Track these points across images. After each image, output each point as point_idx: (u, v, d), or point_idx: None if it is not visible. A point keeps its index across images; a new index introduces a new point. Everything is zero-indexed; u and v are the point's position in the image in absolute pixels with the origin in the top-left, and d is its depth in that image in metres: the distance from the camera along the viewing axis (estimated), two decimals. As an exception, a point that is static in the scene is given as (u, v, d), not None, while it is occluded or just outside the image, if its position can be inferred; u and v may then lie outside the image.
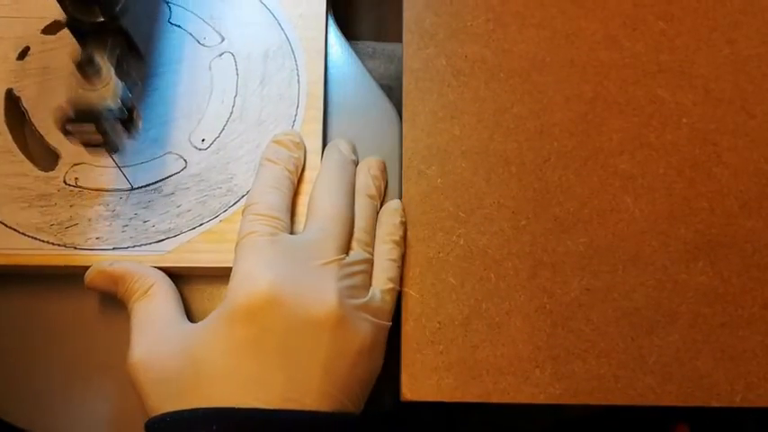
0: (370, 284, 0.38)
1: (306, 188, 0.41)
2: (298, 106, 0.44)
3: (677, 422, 0.59)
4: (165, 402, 0.34)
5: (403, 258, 0.40)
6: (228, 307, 0.34)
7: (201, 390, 0.33)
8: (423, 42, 0.45)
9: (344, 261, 0.37)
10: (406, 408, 0.39)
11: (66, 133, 0.36)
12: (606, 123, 0.44)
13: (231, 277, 0.36)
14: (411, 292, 0.39)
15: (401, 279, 0.40)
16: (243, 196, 0.41)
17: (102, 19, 0.36)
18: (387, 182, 0.43)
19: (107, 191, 0.41)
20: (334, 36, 0.48)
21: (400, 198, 0.42)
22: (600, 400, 0.38)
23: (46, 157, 0.42)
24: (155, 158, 0.42)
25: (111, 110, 0.36)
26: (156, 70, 0.44)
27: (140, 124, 0.39)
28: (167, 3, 0.46)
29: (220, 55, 0.45)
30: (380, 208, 0.42)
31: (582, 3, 0.47)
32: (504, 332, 0.39)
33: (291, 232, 0.39)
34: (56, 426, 0.38)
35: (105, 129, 0.36)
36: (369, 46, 0.53)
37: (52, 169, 0.41)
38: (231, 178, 0.42)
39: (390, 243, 0.39)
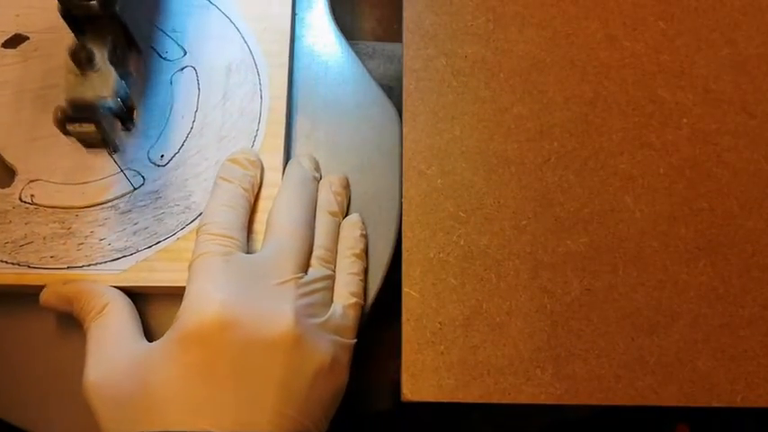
0: (332, 301, 0.38)
1: (264, 205, 0.41)
2: (259, 121, 0.43)
3: (678, 423, 0.59)
4: (118, 425, 0.33)
5: (366, 272, 0.40)
6: (179, 330, 0.34)
7: (154, 414, 0.33)
8: (423, 43, 0.45)
9: (303, 279, 0.36)
10: (405, 408, 0.39)
11: (66, 133, 0.35)
12: (606, 123, 0.43)
13: (183, 298, 0.35)
14: (412, 293, 0.39)
15: (365, 292, 0.40)
16: (200, 213, 0.40)
17: (95, 3, 0.35)
18: (349, 198, 0.42)
19: (63, 208, 0.40)
20: (335, 36, 0.48)
21: (401, 199, 0.42)
22: (601, 400, 0.38)
23: (2, 174, 0.41)
24: (112, 175, 0.41)
25: (107, 104, 0.35)
26: None
27: (137, 116, 0.39)
28: None
29: (182, 69, 0.44)
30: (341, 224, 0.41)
31: (582, 3, 0.47)
32: (504, 332, 0.39)
33: (250, 251, 0.38)
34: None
35: (104, 126, 0.35)
36: (369, 46, 0.53)
37: (8, 186, 0.41)
38: (189, 195, 0.41)
39: (351, 257, 0.39)
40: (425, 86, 0.44)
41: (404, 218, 0.41)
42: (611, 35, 0.46)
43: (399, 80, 0.46)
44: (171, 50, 0.45)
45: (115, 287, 0.38)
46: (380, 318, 0.42)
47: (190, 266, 0.36)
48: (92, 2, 0.35)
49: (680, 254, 0.41)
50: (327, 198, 0.41)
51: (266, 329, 0.34)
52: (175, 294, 0.39)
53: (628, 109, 0.44)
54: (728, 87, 0.45)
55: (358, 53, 0.48)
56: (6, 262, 0.39)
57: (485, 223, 0.41)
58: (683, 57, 0.45)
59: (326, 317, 0.36)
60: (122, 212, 0.40)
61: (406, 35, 0.46)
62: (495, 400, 0.38)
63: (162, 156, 0.42)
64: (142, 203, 0.41)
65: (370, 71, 0.47)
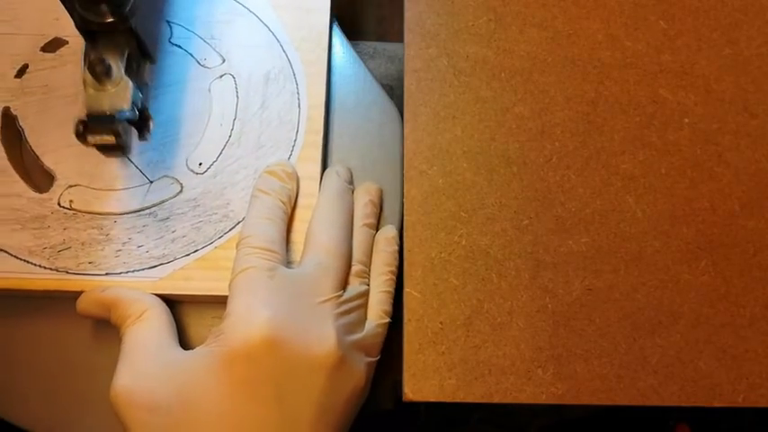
0: (365, 318, 0.38)
1: (301, 215, 0.41)
2: (297, 131, 0.43)
3: (678, 422, 0.59)
4: None
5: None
6: (225, 345, 0.34)
7: (192, 427, 0.32)
8: (424, 42, 0.45)
9: (342, 298, 0.36)
10: (406, 407, 0.39)
11: (85, 143, 0.35)
12: (608, 123, 0.43)
13: (228, 314, 0.35)
14: (413, 293, 0.39)
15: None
16: (239, 222, 0.40)
17: (112, 19, 0.36)
18: (382, 208, 0.42)
19: (101, 214, 0.40)
20: (337, 36, 0.48)
21: (401, 199, 0.42)
22: (602, 400, 0.38)
23: (41, 178, 0.41)
24: (150, 182, 0.41)
25: (123, 112, 0.35)
26: (154, 91, 0.43)
27: (152, 126, 0.39)
28: (168, 22, 0.45)
29: (221, 77, 0.44)
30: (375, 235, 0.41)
31: (583, 3, 0.46)
32: (506, 332, 0.39)
33: (287, 262, 0.38)
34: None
35: (119, 132, 0.36)
36: (370, 46, 0.53)
37: (47, 191, 0.41)
38: (227, 204, 0.41)
39: (388, 274, 0.39)
40: (427, 86, 0.44)
41: (405, 218, 0.41)
42: (613, 35, 0.46)
43: (400, 80, 0.46)
44: (209, 58, 0.45)
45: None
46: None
47: (233, 280, 0.36)
48: (108, 20, 0.35)
49: (681, 254, 0.41)
50: (365, 210, 0.40)
51: (310, 350, 0.34)
52: (210, 302, 0.39)
53: (629, 109, 0.44)
54: (730, 87, 0.45)
55: (359, 53, 0.48)
56: (45, 267, 0.39)
57: (486, 223, 0.41)
58: (684, 57, 0.45)
59: (362, 335, 0.36)
60: (160, 220, 0.40)
61: (407, 35, 0.46)
62: (496, 400, 0.38)
63: (200, 164, 0.42)
64: (180, 211, 0.41)
65: (371, 71, 0.47)
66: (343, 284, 0.37)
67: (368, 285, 0.39)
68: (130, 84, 0.36)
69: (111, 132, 0.35)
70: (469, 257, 0.40)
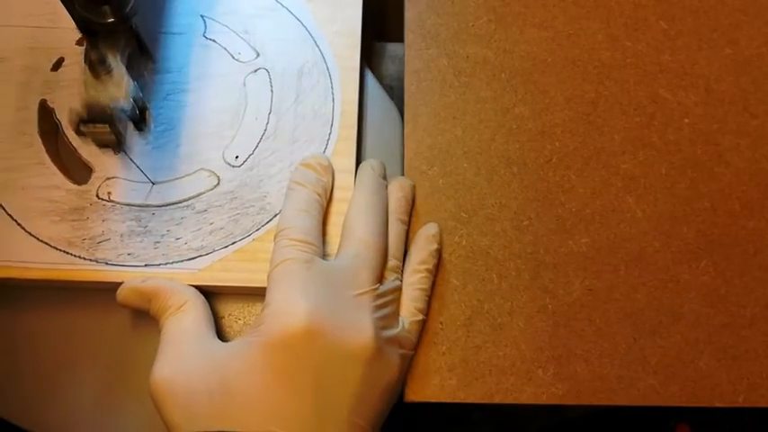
0: (398, 313, 0.38)
1: (336, 208, 0.41)
2: (332, 125, 0.43)
3: (678, 422, 0.59)
4: (190, 422, 0.33)
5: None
6: (265, 335, 0.34)
7: (230, 414, 0.33)
8: (424, 43, 0.45)
9: (378, 291, 0.37)
10: (405, 407, 0.39)
11: (80, 134, 0.36)
12: (608, 123, 0.43)
13: (266, 304, 0.35)
14: (413, 293, 0.39)
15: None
16: (276, 215, 0.41)
17: (113, 19, 0.36)
18: (414, 204, 0.42)
19: (139, 206, 0.41)
20: None
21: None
22: (602, 400, 0.38)
23: (79, 171, 0.42)
24: (187, 175, 0.42)
25: (123, 109, 0.36)
26: (189, 85, 0.44)
27: (152, 124, 0.39)
28: (202, 17, 0.45)
29: (255, 71, 0.44)
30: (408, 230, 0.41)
31: (583, 3, 0.47)
32: (506, 333, 0.39)
33: (323, 254, 0.38)
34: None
35: (118, 129, 0.36)
36: (370, 46, 0.53)
37: (85, 183, 0.41)
38: (264, 197, 0.41)
39: (424, 272, 0.39)
40: (427, 87, 0.44)
41: (406, 218, 0.41)
42: (613, 35, 0.46)
43: (400, 80, 0.46)
44: (244, 52, 0.45)
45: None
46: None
47: (271, 272, 0.36)
48: (109, 20, 0.35)
49: (681, 254, 0.41)
50: (398, 205, 0.40)
51: (348, 341, 0.34)
52: (247, 294, 0.40)
53: (629, 109, 0.44)
54: (730, 87, 0.45)
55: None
56: (84, 258, 0.39)
57: (486, 223, 0.41)
58: (684, 57, 0.45)
59: (398, 330, 0.37)
60: (198, 212, 0.41)
61: (407, 35, 0.46)
62: (497, 400, 0.38)
63: (237, 157, 0.42)
64: (218, 204, 0.41)
65: (371, 70, 0.47)
66: (380, 278, 0.37)
67: (401, 281, 0.39)
68: (127, 75, 0.36)
69: (109, 131, 0.35)
70: (470, 258, 0.40)
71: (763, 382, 0.38)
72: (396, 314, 0.37)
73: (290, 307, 0.34)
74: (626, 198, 0.42)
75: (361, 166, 0.42)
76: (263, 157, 0.42)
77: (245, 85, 0.44)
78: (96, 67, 0.35)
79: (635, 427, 0.59)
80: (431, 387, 0.38)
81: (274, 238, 0.37)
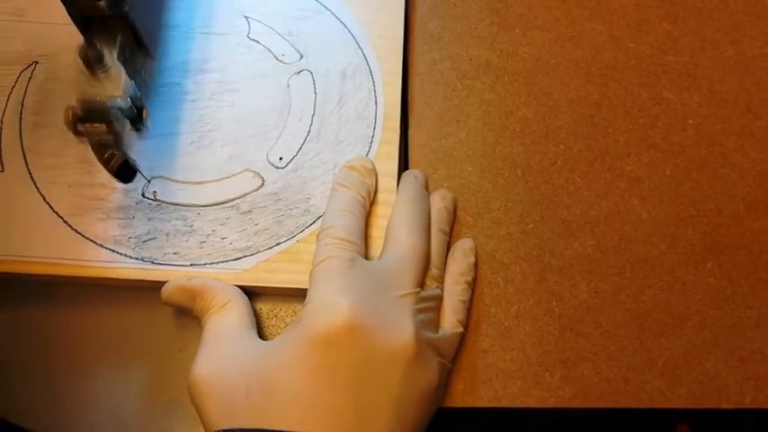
0: (438, 321, 0.38)
1: (379, 211, 0.41)
2: (375, 128, 0.43)
3: (678, 423, 0.59)
4: (228, 418, 0.33)
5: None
6: (306, 332, 0.34)
7: (269, 411, 0.33)
8: (428, 46, 0.45)
9: (420, 295, 0.37)
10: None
11: (77, 133, 0.35)
12: (612, 125, 0.43)
13: (308, 301, 0.35)
14: (419, 297, 0.39)
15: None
16: (319, 217, 0.41)
17: (109, 13, 0.35)
18: (456, 216, 0.42)
19: (185, 206, 0.41)
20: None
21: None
22: (610, 403, 0.38)
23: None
24: (232, 175, 0.42)
25: (120, 108, 0.35)
26: (233, 85, 0.44)
27: (149, 123, 0.39)
28: (246, 18, 0.46)
29: (299, 72, 0.44)
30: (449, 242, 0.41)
31: (586, 4, 0.46)
32: (513, 336, 0.39)
33: (365, 255, 0.38)
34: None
35: (116, 128, 0.35)
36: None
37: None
38: (308, 198, 0.41)
39: (464, 284, 0.39)
40: (431, 90, 0.44)
41: (411, 222, 0.41)
42: (616, 37, 0.46)
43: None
44: (287, 53, 0.45)
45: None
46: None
47: (313, 269, 0.36)
48: (100, 1, 0.35)
49: (687, 255, 0.41)
50: (441, 215, 0.40)
51: (389, 340, 0.34)
52: (290, 296, 0.40)
53: (633, 110, 0.44)
54: (734, 88, 0.45)
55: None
56: (130, 257, 0.39)
57: (492, 227, 0.41)
58: (687, 58, 0.45)
59: (437, 336, 0.36)
60: (243, 213, 0.41)
61: (410, 39, 0.46)
62: (504, 404, 0.38)
63: (281, 158, 0.42)
64: (262, 204, 0.41)
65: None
66: (422, 283, 0.37)
67: (442, 291, 0.39)
68: (123, 72, 0.36)
69: (102, 122, 0.35)
70: (476, 264, 0.40)
71: (771, 383, 0.39)
72: (436, 321, 0.37)
73: (333, 303, 0.34)
74: (631, 200, 0.42)
75: (404, 174, 0.42)
76: (307, 159, 0.42)
77: (288, 86, 0.44)
78: (93, 64, 0.35)
79: (635, 426, 0.59)
80: (438, 391, 0.38)
81: (317, 237, 0.38)
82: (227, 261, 0.40)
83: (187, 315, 0.38)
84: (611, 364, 0.39)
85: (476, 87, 0.44)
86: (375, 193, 0.41)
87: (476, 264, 0.40)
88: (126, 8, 0.36)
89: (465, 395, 0.38)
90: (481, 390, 0.38)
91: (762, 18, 0.46)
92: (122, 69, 0.36)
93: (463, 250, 0.40)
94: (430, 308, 0.37)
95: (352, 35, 0.46)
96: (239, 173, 0.42)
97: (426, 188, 0.42)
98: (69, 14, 0.36)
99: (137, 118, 0.38)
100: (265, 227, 0.40)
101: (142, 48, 0.41)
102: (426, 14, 0.46)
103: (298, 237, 0.40)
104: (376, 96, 0.44)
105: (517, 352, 0.39)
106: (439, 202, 0.41)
